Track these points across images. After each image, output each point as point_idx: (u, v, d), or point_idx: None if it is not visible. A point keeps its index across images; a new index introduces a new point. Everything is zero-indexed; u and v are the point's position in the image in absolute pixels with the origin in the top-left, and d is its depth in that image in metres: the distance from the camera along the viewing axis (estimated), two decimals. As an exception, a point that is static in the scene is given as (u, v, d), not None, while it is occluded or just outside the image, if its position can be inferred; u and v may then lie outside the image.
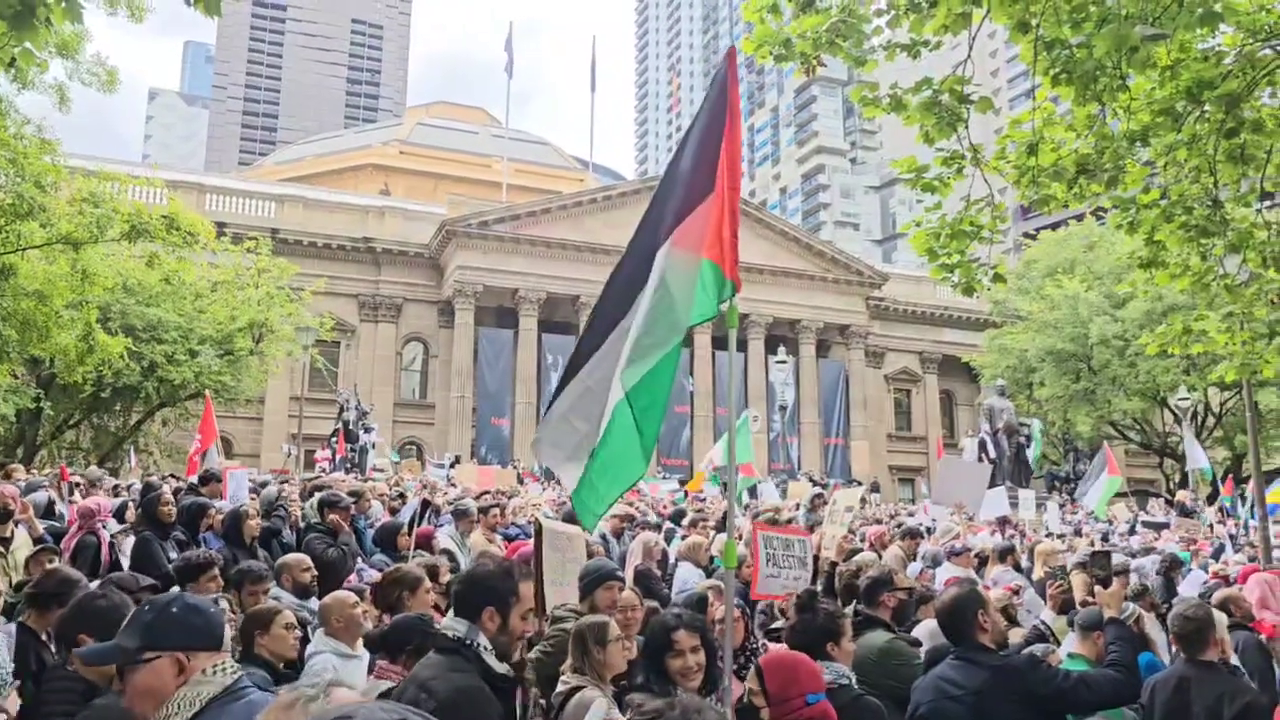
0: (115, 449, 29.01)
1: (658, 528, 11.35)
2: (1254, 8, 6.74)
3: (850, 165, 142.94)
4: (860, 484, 32.28)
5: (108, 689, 3.14)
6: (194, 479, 11.96)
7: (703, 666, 3.84)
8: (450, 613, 3.38)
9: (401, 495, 13.97)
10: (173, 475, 17.20)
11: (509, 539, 9.99)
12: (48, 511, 9.82)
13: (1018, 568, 9.60)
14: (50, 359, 20.40)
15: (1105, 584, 4.85)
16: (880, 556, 8.52)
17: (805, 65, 6.64)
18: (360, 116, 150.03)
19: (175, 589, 5.46)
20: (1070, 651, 5.03)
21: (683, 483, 23.84)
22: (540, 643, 4.85)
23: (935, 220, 7.53)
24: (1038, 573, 9.04)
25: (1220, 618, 5.43)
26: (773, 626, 5.77)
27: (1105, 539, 17.54)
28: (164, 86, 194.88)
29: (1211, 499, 27.04)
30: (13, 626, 4.69)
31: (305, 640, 4.97)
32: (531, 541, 7.68)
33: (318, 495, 9.39)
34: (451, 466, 27.93)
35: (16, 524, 7.61)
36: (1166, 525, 21.60)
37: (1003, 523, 15.86)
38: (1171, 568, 10.75)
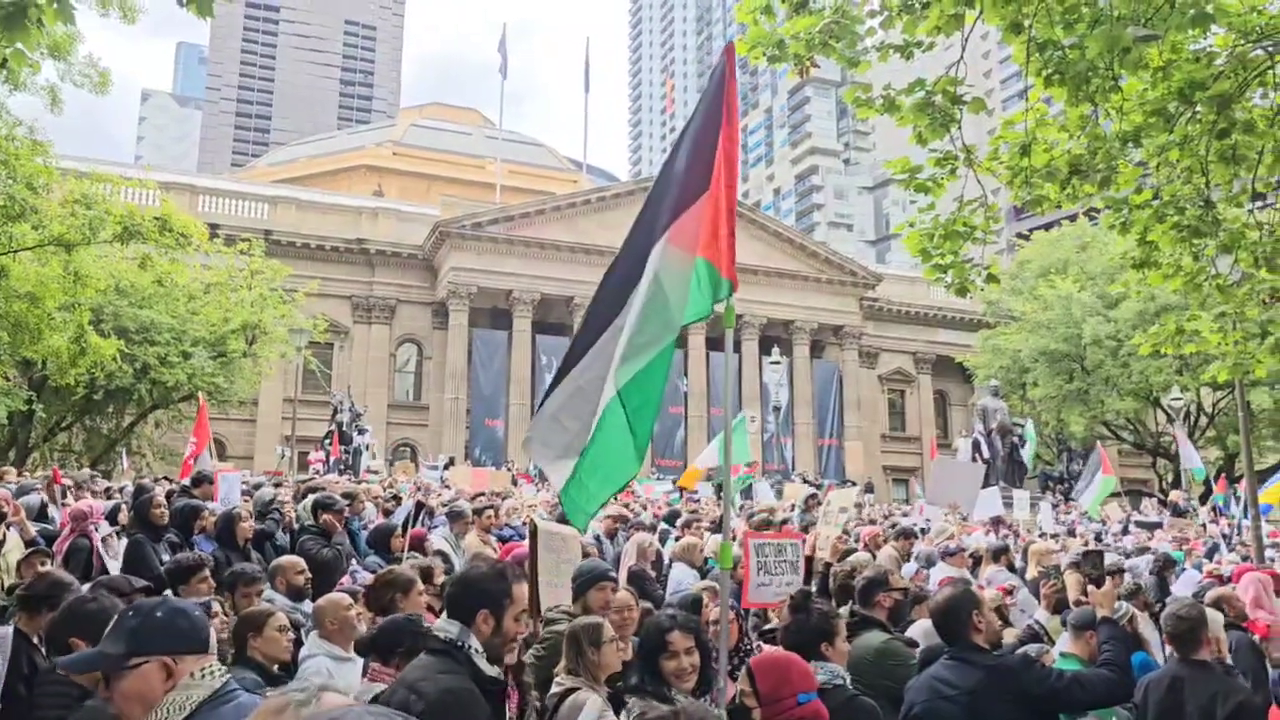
0: (108, 451, 28.93)
1: (652, 529, 11.34)
2: (1245, 9, 6.76)
3: (844, 166, 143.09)
4: (854, 484, 32.31)
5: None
6: (186, 481, 11.92)
7: (697, 668, 3.84)
8: (444, 614, 3.37)
9: (395, 497, 13.95)
10: (166, 478, 17.15)
11: (503, 540, 9.98)
12: (40, 514, 9.79)
13: (1011, 568, 9.61)
14: (42, 361, 20.34)
15: (1098, 583, 4.87)
16: (874, 557, 8.52)
17: (799, 66, 6.65)
18: (353, 118, 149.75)
19: (168, 592, 5.45)
20: (1063, 651, 5.04)
21: (676, 484, 23.80)
22: (534, 645, 4.84)
23: (929, 221, 7.54)
24: (1031, 572, 9.05)
25: (1216, 617, 5.44)
26: (766, 628, 5.78)
27: (1099, 539, 17.58)
28: (157, 88, 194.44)
29: (1204, 498, 27.14)
30: (9, 629, 4.66)
31: (299, 643, 4.95)
32: (526, 543, 7.68)
33: (311, 497, 9.37)
34: (445, 468, 27.87)
35: (8, 526, 7.59)
36: (1159, 525, 21.66)
37: (996, 523, 15.87)
38: (1165, 567, 10.76)
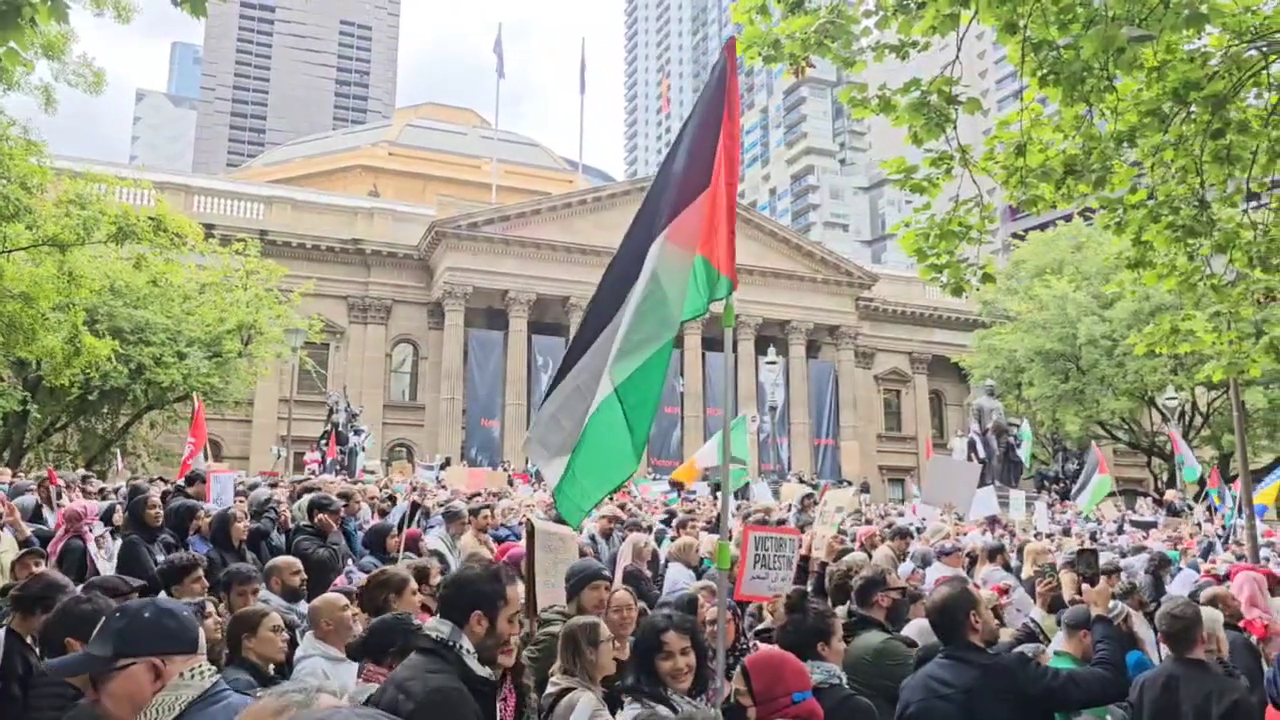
0: (103, 452, 28.87)
1: (648, 529, 11.34)
2: (1240, 9, 6.78)
3: (839, 166, 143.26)
4: (850, 484, 32.33)
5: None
6: (181, 481, 11.91)
7: (693, 668, 3.84)
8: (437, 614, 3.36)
9: (391, 498, 13.94)
10: (161, 478, 17.11)
11: (499, 540, 9.97)
12: (36, 515, 9.77)
13: (1007, 567, 9.63)
14: (37, 361, 20.30)
15: (1092, 582, 4.88)
16: (870, 556, 8.52)
17: (794, 66, 6.65)
18: (349, 118, 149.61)
19: (162, 593, 5.43)
20: (1057, 649, 5.05)
21: (673, 484, 23.79)
22: (529, 645, 4.84)
23: (924, 221, 7.55)
24: (1027, 572, 9.06)
25: (1216, 616, 5.45)
26: (761, 627, 5.77)
27: (1094, 538, 17.62)
28: (151, 88, 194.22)
29: (1198, 498, 27.18)
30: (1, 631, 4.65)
31: (293, 643, 4.94)
32: (521, 543, 7.67)
33: (307, 497, 9.36)
34: (441, 468, 27.85)
35: (2, 527, 7.57)
36: (1154, 524, 21.73)
37: (992, 522, 15.91)
38: (1160, 566, 10.79)
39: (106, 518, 8.51)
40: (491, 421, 39.58)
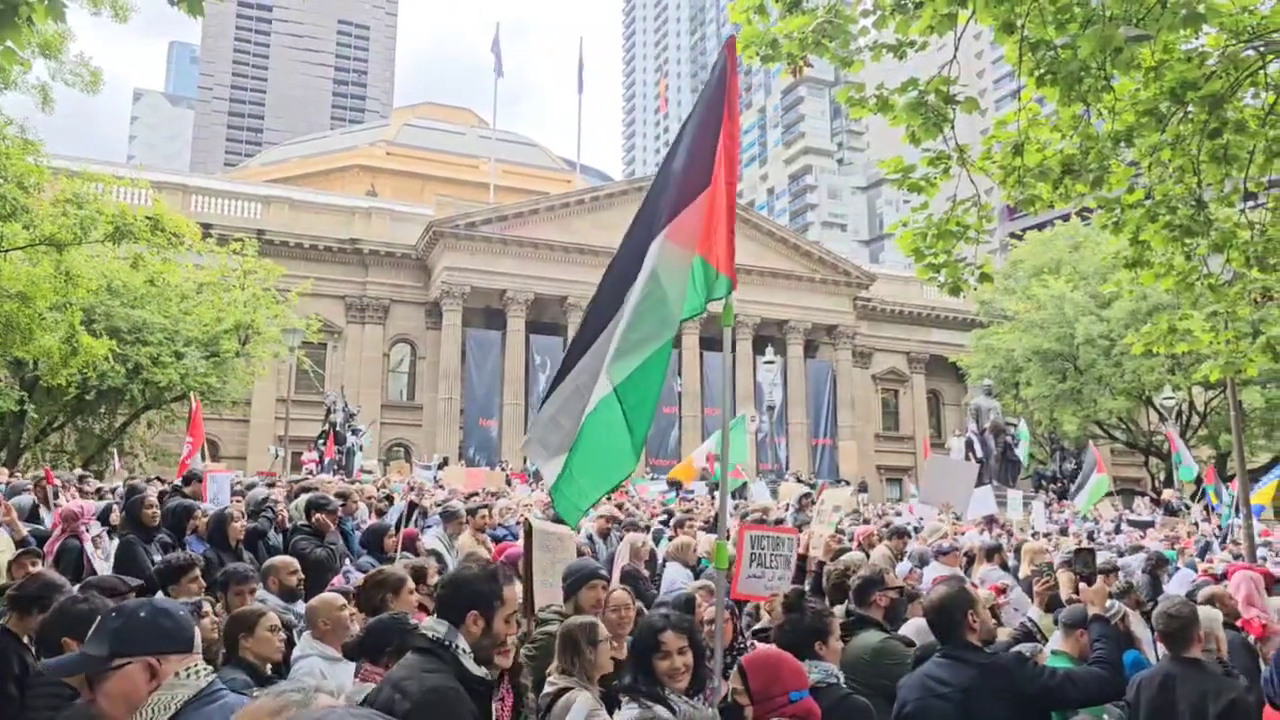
0: (100, 452, 28.84)
1: (645, 528, 11.34)
2: (1237, 9, 6.79)
3: (837, 166, 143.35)
4: (848, 484, 32.35)
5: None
6: (178, 481, 11.90)
7: (690, 668, 3.83)
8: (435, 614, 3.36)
9: (389, 497, 13.93)
10: (159, 478, 17.10)
11: (497, 540, 9.97)
12: (32, 515, 9.76)
13: (1004, 566, 9.64)
14: (34, 361, 20.28)
15: (1089, 581, 4.88)
16: (868, 556, 8.53)
17: (792, 66, 6.65)
18: (347, 117, 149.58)
19: (159, 593, 5.43)
20: (1054, 649, 5.05)
21: (672, 484, 23.79)
22: (525, 644, 4.83)
23: (922, 220, 7.55)
24: (1025, 571, 9.07)
25: (1216, 615, 5.45)
26: (758, 627, 5.77)
27: (1091, 538, 17.64)
28: (149, 87, 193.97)
29: (1195, 497, 27.22)
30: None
31: (291, 643, 4.94)
32: (519, 543, 7.67)
33: (304, 496, 9.35)
34: (439, 468, 27.84)
35: (-1, 527, 7.55)
36: (1151, 523, 21.76)
37: (990, 521, 15.91)
38: (1157, 566, 10.81)
39: (103, 518, 8.50)
40: (489, 421, 39.57)
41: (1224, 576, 8.44)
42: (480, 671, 3.04)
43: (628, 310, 4.37)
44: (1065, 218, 42.43)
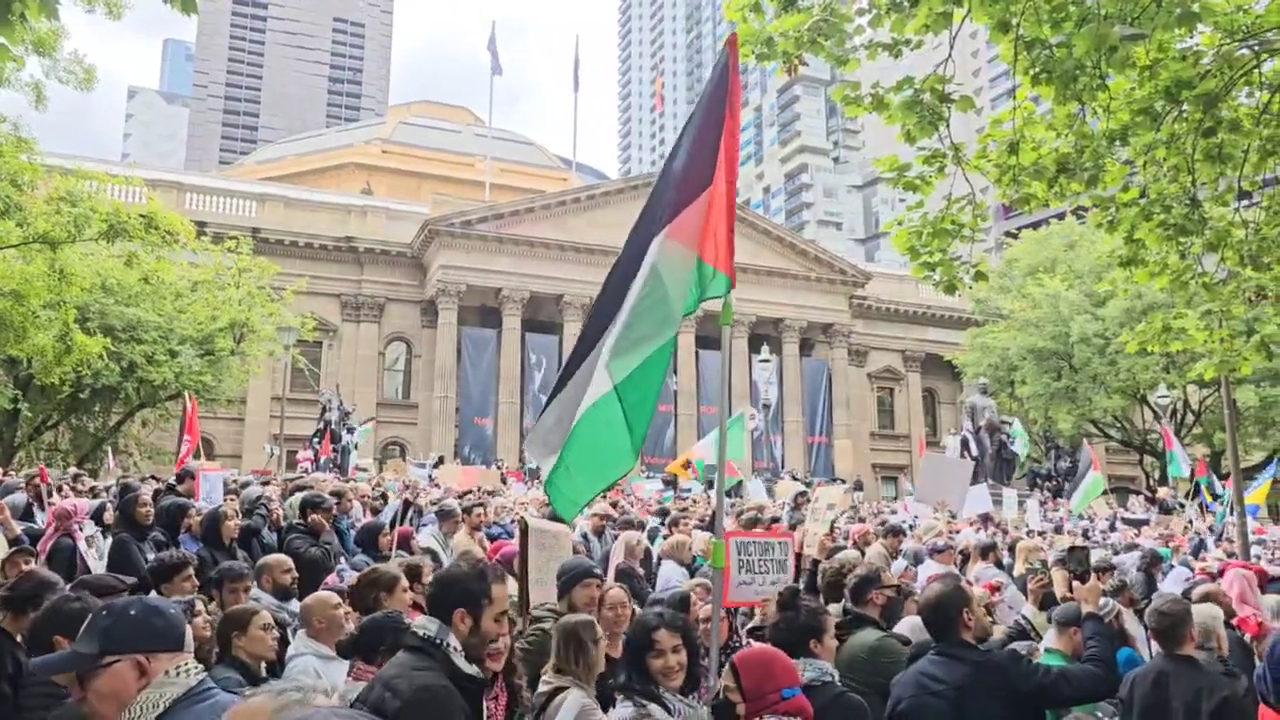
0: (94, 450, 28.78)
1: (640, 526, 11.33)
2: (1231, 8, 6.80)
3: (833, 164, 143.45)
4: (843, 482, 32.38)
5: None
6: (172, 479, 11.86)
7: (684, 666, 3.83)
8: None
9: (383, 496, 13.91)
10: (153, 476, 17.07)
11: (492, 539, 9.96)
12: (26, 513, 9.72)
13: (999, 564, 9.65)
14: (28, 359, 20.23)
15: (1082, 579, 4.88)
16: (863, 554, 8.53)
17: (787, 64, 6.65)
18: (342, 115, 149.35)
19: (152, 592, 5.41)
20: (1047, 646, 5.05)
21: (667, 481, 23.82)
22: (519, 641, 4.83)
23: (917, 219, 7.55)
24: (1019, 569, 9.08)
25: (1216, 613, 5.46)
26: (753, 625, 5.77)
27: (1086, 536, 17.67)
28: (143, 85, 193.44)
29: (1190, 495, 27.28)
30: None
31: (284, 642, 4.93)
32: (514, 541, 7.65)
33: (299, 495, 9.33)
34: (435, 467, 27.82)
35: (-8, 526, 7.52)
36: (1146, 521, 21.81)
37: (985, 520, 15.94)
38: (1153, 564, 10.82)
39: (97, 516, 8.47)
40: (485, 420, 39.55)
41: (1220, 574, 8.46)
42: (471, 670, 3.03)
43: (627, 308, 4.37)
44: (1060, 216, 42.47)
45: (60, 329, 19.11)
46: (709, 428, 31.10)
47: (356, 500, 11.77)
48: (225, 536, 7.76)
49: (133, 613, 2.54)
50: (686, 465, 20.40)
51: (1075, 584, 4.92)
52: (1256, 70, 6.93)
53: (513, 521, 11.19)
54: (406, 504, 9.74)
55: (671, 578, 8.08)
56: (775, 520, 11.91)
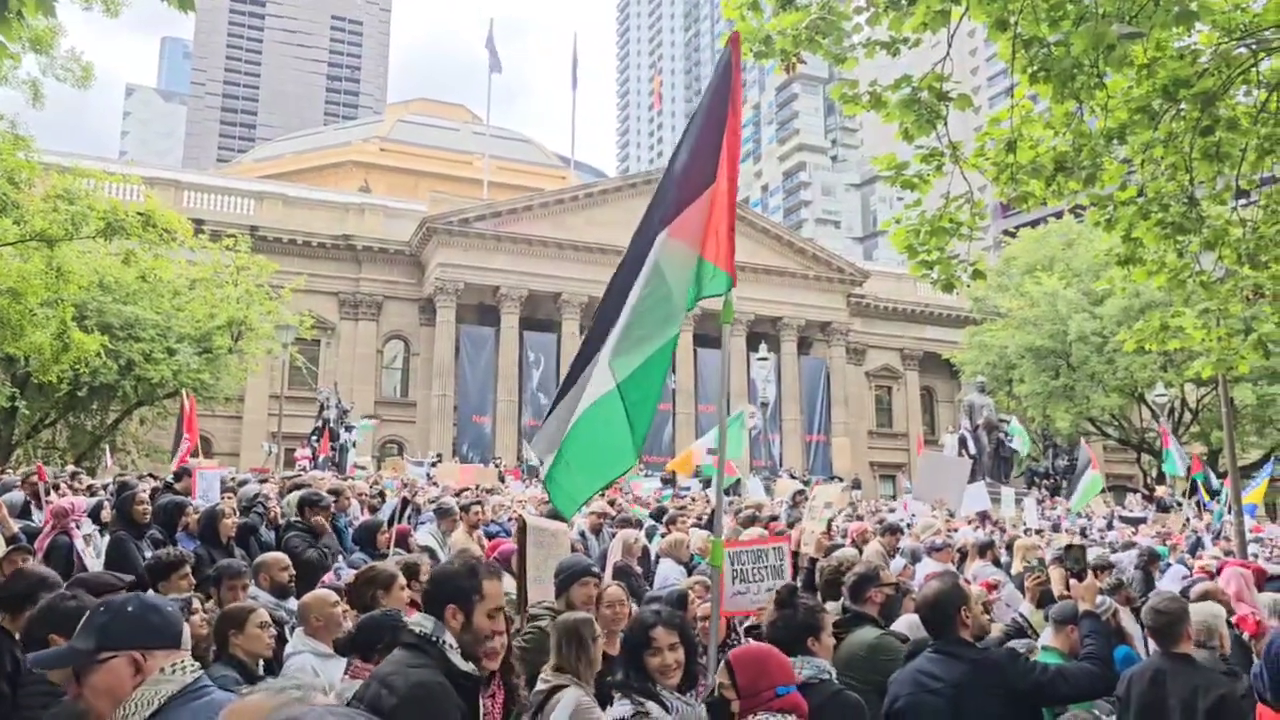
0: (92, 448, 28.75)
1: (638, 524, 11.34)
2: (1229, 6, 6.80)
3: (831, 163, 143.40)
4: (841, 480, 32.39)
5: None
6: (169, 477, 11.86)
7: (681, 664, 3.83)
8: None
9: (381, 494, 13.91)
10: (151, 474, 17.05)
11: (490, 537, 9.97)
12: (24, 512, 9.71)
13: (996, 562, 9.65)
14: (25, 357, 20.18)
15: (1080, 577, 4.89)
16: (861, 552, 8.53)
17: (785, 62, 6.65)
18: (340, 113, 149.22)
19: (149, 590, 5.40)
20: (1044, 644, 5.06)
21: (665, 480, 23.80)
22: (516, 639, 4.83)
23: (915, 217, 7.56)
24: (1016, 567, 9.09)
25: (1219, 611, 5.46)
26: (751, 623, 5.77)
27: (1083, 534, 17.69)
28: (141, 82, 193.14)
29: (1189, 493, 27.30)
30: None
31: (282, 640, 4.92)
32: (512, 540, 7.65)
33: (296, 493, 9.32)
34: (433, 465, 27.81)
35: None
36: (1144, 520, 21.83)
37: (983, 518, 15.95)
38: (1150, 562, 10.82)
39: (95, 514, 8.46)
40: (483, 418, 39.54)
41: (1218, 573, 8.47)
42: (467, 667, 3.03)
43: (629, 307, 4.38)
44: (1058, 215, 42.49)
45: (58, 327, 19.08)
46: (707, 426, 31.12)
47: (354, 498, 11.76)
48: (222, 534, 7.75)
49: (130, 609, 2.54)
50: (695, 472, 20.39)
51: (1072, 582, 4.93)
52: (1254, 69, 6.94)
53: (510, 520, 11.19)
54: (404, 502, 9.73)
55: (669, 576, 8.09)
56: (774, 518, 11.91)
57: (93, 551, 7.47)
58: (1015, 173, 7.23)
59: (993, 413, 30.01)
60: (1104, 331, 34.74)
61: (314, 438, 28.13)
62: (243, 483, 13.05)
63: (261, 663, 4.50)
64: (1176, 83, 6.78)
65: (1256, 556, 13.78)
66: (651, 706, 3.67)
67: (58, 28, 15.21)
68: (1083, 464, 22.39)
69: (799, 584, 6.46)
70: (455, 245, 39.89)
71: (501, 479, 24.76)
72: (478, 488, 16.91)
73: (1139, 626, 5.64)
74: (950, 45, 6.41)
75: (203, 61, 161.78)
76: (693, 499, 18.13)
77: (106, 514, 8.63)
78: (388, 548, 8.07)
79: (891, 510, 19.28)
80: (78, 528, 7.40)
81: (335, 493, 9.88)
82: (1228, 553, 13.26)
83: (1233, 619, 6.30)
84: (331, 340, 40.20)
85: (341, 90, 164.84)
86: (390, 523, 8.77)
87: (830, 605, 5.34)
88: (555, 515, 7.16)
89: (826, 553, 7.52)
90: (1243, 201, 8.45)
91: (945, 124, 6.84)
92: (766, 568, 5.55)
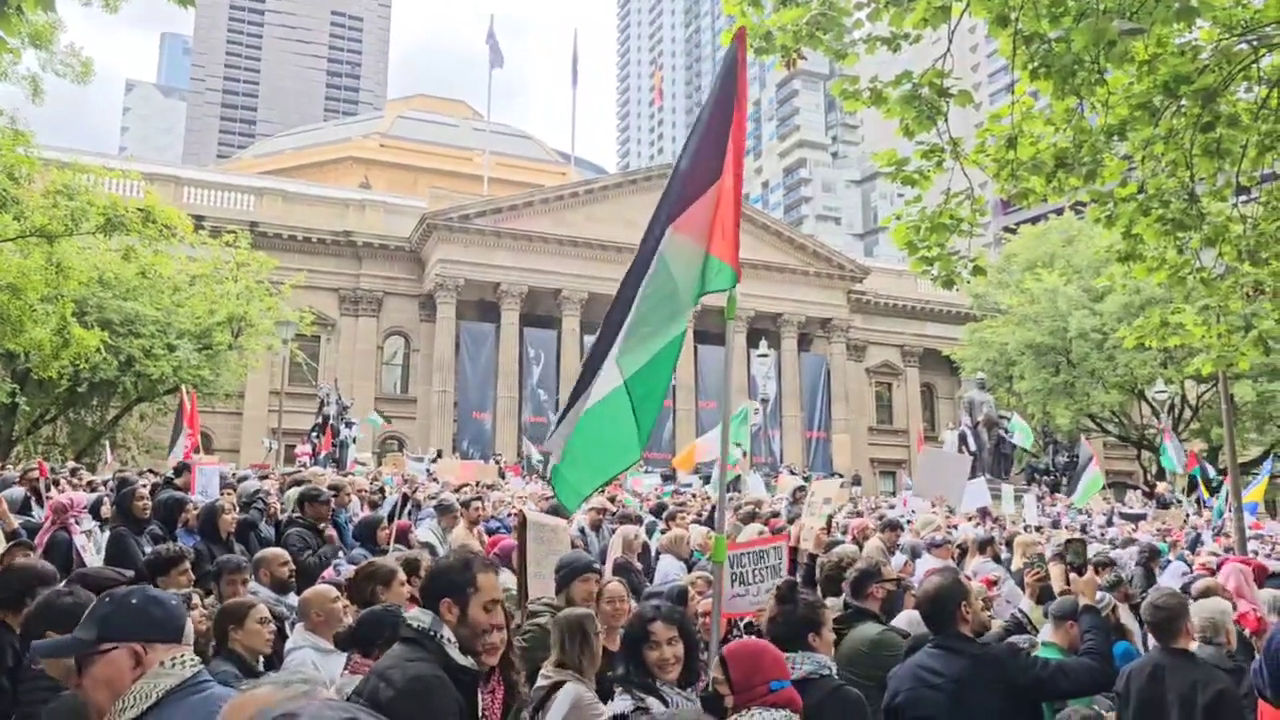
0: (92, 444, 28.78)
1: (637, 520, 11.34)
2: (1230, 2, 6.80)
3: (832, 159, 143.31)
4: (841, 477, 32.39)
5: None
6: (169, 473, 11.87)
7: (680, 659, 3.84)
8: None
9: (381, 490, 13.92)
10: (151, 470, 17.06)
11: (490, 533, 9.98)
12: (24, 507, 9.72)
13: (997, 559, 9.65)
14: (25, 353, 20.19)
15: (1079, 572, 4.89)
16: (861, 548, 8.54)
17: (786, 58, 6.64)
18: (340, 109, 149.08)
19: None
20: (1044, 640, 5.07)
21: (666, 476, 23.83)
22: (517, 636, 4.83)
23: (915, 214, 7.56)
24: (1017, 564, 9.10)
25: (1225, 608, 5.46)
26: (749, 621, 5.78)
27: (1084, 530, 17.70)
28: (141, 78, 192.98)
29: (1188, 490, 27.32)
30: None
31: (282, 635, 4.93)
32: (512, 536, 7.66)
33: (296, 489, 9.33)
34: (433, 461, 27.82)
35: (-11, 519, 7.52)
36: (1143, 516, 21.85)
37: (983, 514, 15.95)
38: (1150, 558, 10.84)
39: (95, 510, 8.47)
40: (483, 414, 39.55)
41: (1218, 569, 8.48)
42: (466, 661, 3.03)
43: (634, 304, 4.38)
44: (1059, 211, 42.49)
45: (58, 323, 19.08)
46: (707, 422, 31.13)
47: (355, 494, 11.78)
48: (222, 530, 7.75)
49: (133, 601, 2.55)
50: (696, 469, 20.39)
51: (1072, 577, 4.94)
52: (1255, 65, 6.93)
53: (511, 515, 11.19)
54: (405, 498, 9.75)
55: (670, 572, 8.09)
56: (774, 514, 11.91)
57: (93, 547, 7.48)
58: (1016, 169, 7.23)
59: (993, 409, 30.02)
60: (1104, 328, 34.74)
61: (314, 434, 28.14)
62: (243, 479, 13.05)
63: (261, 658, 4.50)
64: (1177, 79, 6.77)
65: (1256, 553, 13.79)
66: (652, 702, 3.67)
67: (57, 23, 15.16)
68: (1084, 460, 22.41)
69: (799, 579, 6.46)
70: (455, 241, 39.88)
71: (502, 475, 24.77)
72: (478, 484, 16.92)
73: (1138, 622, 5.64)
74: (951, 41, 6.41)
75: (203, 57, 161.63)
76: (693, 495, 18.14)
77: (106, 510, 8.64)
78: (388, 543, 8.08)
79: (891, 506, 19.30)
80: (78, 523, 7.41)
81: (335, 488, 9.89)
82: (1228, 549, 13.27)
83: (1233, 616, 6.31)
84: (332, 336, 40.19)
85: (341, 86, 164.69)
86: (390, 518, 8.78)
87: (830, 601, 5.35)
88: (556, 511, 7.17)
89: (826, 549, 7.52)
90: (1243, 198, 8.44)
91: (946, 120, 6.84)
92: (766, 568, 5.55)
